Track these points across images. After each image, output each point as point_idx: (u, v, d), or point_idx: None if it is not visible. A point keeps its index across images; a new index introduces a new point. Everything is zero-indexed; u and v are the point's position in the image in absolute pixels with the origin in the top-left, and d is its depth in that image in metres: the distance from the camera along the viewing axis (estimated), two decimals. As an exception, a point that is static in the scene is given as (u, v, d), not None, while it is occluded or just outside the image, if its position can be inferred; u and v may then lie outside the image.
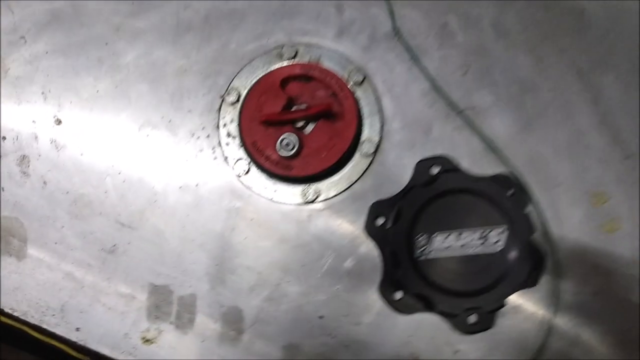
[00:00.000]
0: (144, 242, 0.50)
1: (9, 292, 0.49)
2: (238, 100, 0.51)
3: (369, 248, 0.49)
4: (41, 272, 0.49)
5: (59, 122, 0.51)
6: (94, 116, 0.51)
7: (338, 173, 0.49)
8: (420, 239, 0.46)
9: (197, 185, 0.50)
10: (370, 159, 0.50)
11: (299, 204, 0.49)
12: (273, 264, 0.49)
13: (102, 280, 0.49)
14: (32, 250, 0.50)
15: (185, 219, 0.49)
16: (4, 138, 0.51)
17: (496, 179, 0.48)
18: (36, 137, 0.51)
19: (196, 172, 0.50)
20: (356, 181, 0.50)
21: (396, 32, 0.51)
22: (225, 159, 0.50)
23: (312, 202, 0.49)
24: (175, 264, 0.49)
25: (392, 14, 0.51)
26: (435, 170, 0.48)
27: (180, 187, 0.50)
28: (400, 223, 0.47)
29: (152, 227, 0.50)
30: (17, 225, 0.50)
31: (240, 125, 0.50)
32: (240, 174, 0.50)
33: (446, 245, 0.47)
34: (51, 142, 0.51)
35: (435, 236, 0.46)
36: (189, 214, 0.50)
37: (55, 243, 0.50)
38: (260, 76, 0.51)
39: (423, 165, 0.48)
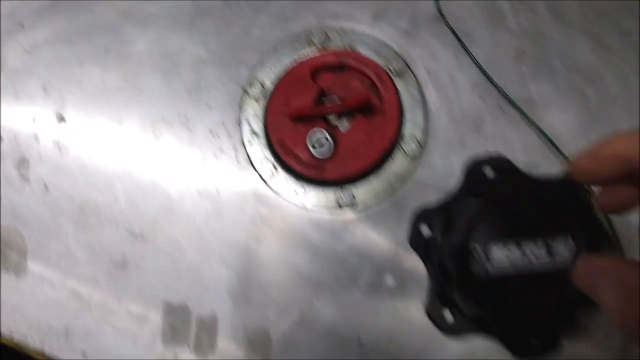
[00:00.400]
0: (158, 254, 0.44)
1: (7, 312, 0.44)
2: (262, 93, 0.46)
3: (413, 262, 0.43)
4: (43, 289, 0.45)
5: (61, 119, 0.46)
6: (101, 112, 0.46)
7: (377, 175, 0.43)
8: (474, 251, 0.40)
9: (217, 190, 0.45)
10: (414, 159, 0.44)
11: (333, 211, 0.44)
12: (304, 280, 0.43)
13: (111, 298, 0.44)
14: (32, 265, 0.45)
15: (204, 228, 0.44)
16: (1, 138, 0.45)
17: (561, 181, 0.41)
18: (36, 137, 0.46)
19: (216, 175, 0.45)
20: (398, 185, 0.44)
21: (441, 15, 0.46)
22: (249, 159, 0.45)
23: (349, 207, 0.44)
24: (193, 280, 0.44)
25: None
26: (489, 171, 0.42)
27: (198, 192, 0.45)
28: (450, 233, 0.41)
29: (167, 238, 0.45)
30: (15, 236, 0.45)
31: (265, 121, 0.45)
32: (266, 177, 0.45)
33: (504, 258, 0.41)
34: (53, 143, 0.45)
35: (491, 248, 0.40)
36: (209, 223, 0.45)
37: (59, 256, 0.45)
38: (288, 65, 0.46)
39: (475, 165, 0.42)
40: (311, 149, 0.42)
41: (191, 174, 0.45)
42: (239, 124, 0.45)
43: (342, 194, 0.43)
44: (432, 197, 0.44)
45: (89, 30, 0.47)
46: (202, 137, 0.46)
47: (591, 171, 0.30)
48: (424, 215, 0.44)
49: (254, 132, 0.44)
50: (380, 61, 0.45)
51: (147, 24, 0.46)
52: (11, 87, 0.46)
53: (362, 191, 0.43)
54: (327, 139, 0.41)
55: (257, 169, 0.45)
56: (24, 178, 0.45)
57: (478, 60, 0.46)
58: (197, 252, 0.44)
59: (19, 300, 0.44)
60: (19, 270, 0.45)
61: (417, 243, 0.43)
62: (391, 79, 0.44)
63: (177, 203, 0.45)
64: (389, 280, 0.43)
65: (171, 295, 0.44)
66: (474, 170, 0.43)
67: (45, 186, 0.45)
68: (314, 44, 0.45)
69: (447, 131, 0.45)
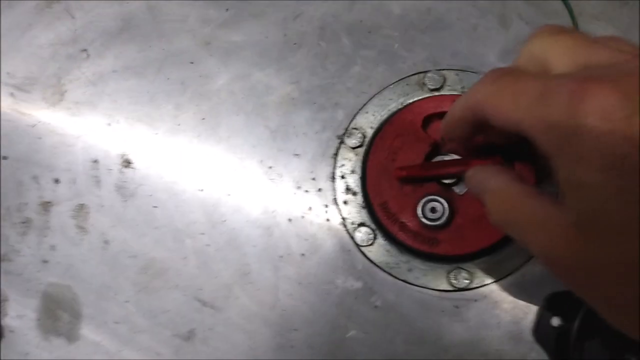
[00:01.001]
0: (231, 328, 0.45)
1: None
2: (362, 144, 0.47)
3: (540, 356, 0.42)
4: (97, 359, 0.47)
5: (127, 163, 0.49)
6: (173, 157, 0.48)
7: (501, 250, 0.41)
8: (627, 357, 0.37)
9: (302, 255, 0.46)
10: None
11: (444, 291, 0.44)
12: None
13: None
14: (86, 330, 0.47)
15: (285, 300, 0.45)
16: (57, 181, 0.45)
17: None
18: (98, 182, 0.49)
19: (302, 238, 0.46)
20: (526, 262, 0.44)
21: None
22: (342, 222, 0.46)
23: (463, 289, 0.44)
24: None
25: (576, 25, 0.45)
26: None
27: (280, 257, 0.46)
28: (592, 329, 0.38)
29: (242, 308, 0.46)
30: (68, 296, 0.48)
31: (364, 178, 0.46)
32: (363, 245, 0.45)
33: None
34: (117, 189, 0.48)
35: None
36: (291, 294, 0.46)
37: (116, 322, 0.47)
38: (394, 112, 0.46)
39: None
40: (421, 217, 0.40)
41: (273, 234, 0.47)
42: (333, 179, 0.47)
43: (456, 272, 0.43)
44: (566, 281, 0.41)
45: (163, 61, 0.50)
46: (287, 192, 0.47)
47: (453, 136, 0.36)
48: (556, 303, 0.42)
49: (350, 190, 0.45)
50: None
51: (229, 57, 0.49)
52: (71, 123, 0.49)
53: (481, 269, 0.46)
54: (442, 206, 0.39)
55: (352, 235, 0.46)
56: (82, 229, 0.47)
57: None
58: (276, 328, 0.45)
59: None
60: (71, 335, 0.47)
61: (546, 337, 0.42)
62: None
63: (255, 267, 0.46)
64: (509, 377, 0.41)
65: None
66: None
67: (105, 241, 0.48)
68: (427, 86, 0.43)
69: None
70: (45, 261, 0.47)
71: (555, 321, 0.42)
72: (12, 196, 0.49)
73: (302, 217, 0.46)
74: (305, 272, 0.45)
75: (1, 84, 0.51)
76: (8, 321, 0.47)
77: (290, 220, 0.46)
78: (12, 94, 0.50)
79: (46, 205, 0.48)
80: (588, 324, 0.40)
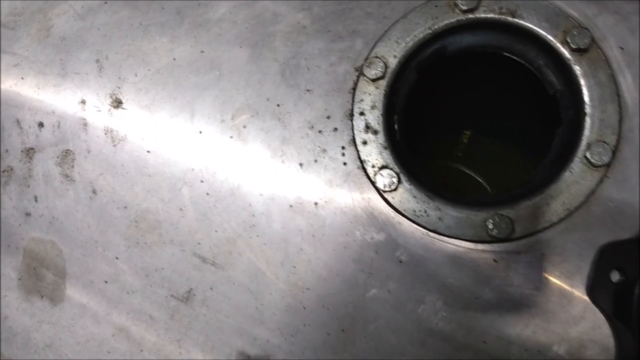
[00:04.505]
0: (234, 287, 0.41)
1: (38, 350, 0.43)
2: (384, 75, 0.41)
3: (596, 320, 0.37)
4: (84, 323, 0.42)
5: (118, 103, 0.44)
6: (169, 96, 0.44)
7: (546, 191, 0.38)
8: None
9: (315, 204, 0.41)
10: (601, 172, 0.39)
11: (481, 242, 0.39)
12: (434, 338, 0.38)
13: (168, 342, 0.41)
14: (71, 291, 0.43)
15: (296, 255, 0.41)
16: (41, 125, 0.42)
17: None
18: (85, 125, 0.45)
19: (315, 185, 0.41)
20: (577, 207, 0.38)
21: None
22: (361, 165, 0.41)
23: (504, 240, 0.38)
24: (278, 325, 0.40)
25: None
26: None
27: (290, 207, 0.42)
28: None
29: (247, 265, 0.41)
30: (52, 253, 0.44)
31: (387, 114, 0.41)
32: (385, 190, 0.40)
33: None
34: (106, 133, 0.45)
35: None
36: (303, 248, 0.41)
37: (105, 282, 0.43)
38: (421, 38, 0.41)
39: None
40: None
41: (282, 181, 0.42)
42: (350, 117, 0.42)
43: (494, 218, 0.37)
44: (625, 226, 0.38)
45: (158, -12, 0.44)
46: (298, 133, 0.42)
47: None
48: (614, 254, 0.38)
49: (370, 129, 0.40)
50: (553, 34, 0.40)
51: (233, -18, 0.42)
52: (57, 60, 0.45)
53: (523, 214, 0.40)
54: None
55: (373, 179, 0.41)
56: (67, 178, 0.45)
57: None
58: (286, 286, 0.41)
59: (53, 336, 0.43)
60: (56, 296, 0.43)
61: (602, 294, 0.37)
62: (569, 59, 0.39)
63: (262, 219, 0.42)
64: (559, 348, 0.37)
65: (248, 343, 0.40)
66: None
67: (94, 190, 0.45)
68: (459, 8, 0.38)
69: (649, 135, 0.41)
70: (27, 214, 0.44)
71: (615, 276, 0.37)
72: (-9, 143, 0.47)
73: (315, 160, 0.41)
74: (318, 223, 0.41)
75: (-19, 20, 0.48)
76: (-16, 281, 0.45)
77: (301, 164, 0.42)
78: (-7, 31, 0.48)
79: (29, 152, 0.44)
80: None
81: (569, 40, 0.40)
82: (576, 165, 0.39)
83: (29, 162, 0.44)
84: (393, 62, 0.41)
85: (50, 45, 0.45)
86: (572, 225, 0.39)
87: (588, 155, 0.38)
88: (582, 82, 0.39)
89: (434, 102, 0.50)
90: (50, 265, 0.43)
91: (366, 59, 0.42)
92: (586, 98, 0.39)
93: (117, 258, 0.42)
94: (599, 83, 0.39)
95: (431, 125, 0.52)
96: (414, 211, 0.40)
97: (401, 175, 0.40)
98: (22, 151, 0.44)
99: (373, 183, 0.41)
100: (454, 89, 0.51)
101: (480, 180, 0.59)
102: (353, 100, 0.42)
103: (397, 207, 0.40)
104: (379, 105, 0.41)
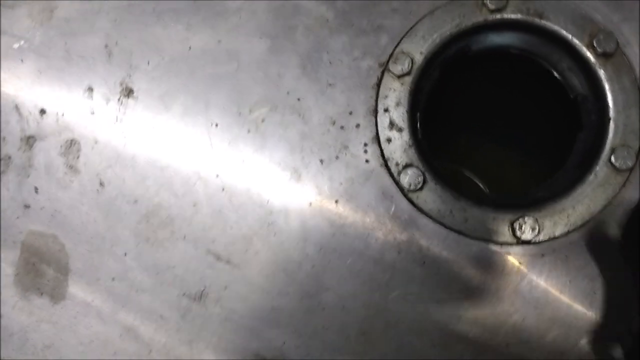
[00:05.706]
0: (249, 287, 0.40)
1: (37, 351, 0.41)
2: (410, 71, 0.41)
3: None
4: (87, 323, 0.41)
5: (129, 92, 0.43)
6: (183, 86, 0.42)
7: (571, 194, 0.39)
8: None
9: (336, 202, 0.41)
10: (624, 176, 0.39)
11: (506, 244, 0.39)
12: (457, 341, 0.38)
13: (179, 343, 0.40)
14: (74, 288, 0.41)
15: (316, 254, 0.40)
16: (43, 111, 0.40)
17: None
18: (92, 113, 0.43)
19: (337, 183, 0.41)
20: (601, 210, 0.39)
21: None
22: (385, 163, 0.41)
23: (529, 242, 0.39)
24: (296, 326, 0.40)
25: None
26: None
27: (309, 204, 0.41)
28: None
29: (263, 264, 0.40)
30: (54, 248, 0.42)
31: (411, 111, 0.40)
32: (409, 190, 0.40)
33: None
34: (115, 122, 0.43)
35: None
36: (322, 248, 0.40)
37: (113, 279, 0.41)
38: (446, 36, 0.41)
39: None
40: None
41: (301, 178, 0.41)
42: (374, 113, 0.41)
43: (520, 220, 0.38)
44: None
45: (173, -27, 0.44)
46: (319, 128, 0.42)
47: None
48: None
49: (395, 126, 0.41)
50: (580, 37, 0.40)
51: (253, -30, 0.41)
52: (62, 44, 0.42)
53: (548, 217, 0.41)
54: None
55: (397, 178, 0.41)
56: (72, 169, 0.44)
57: None
58: (304, 287, 0.40)
59: (54, 337, 0.41)
60: (57, 294, 0.41)
61: None
62: (595, 63, 0.40)
63: (280, 217, 0.41)
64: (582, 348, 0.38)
65: (263, 345, 0.40)
66: None
67: (101, 182, 0.43)
68: (487, 7, 0.38)
69: (673, 140, 0.42)
70: (26, 206, 0.42)
71: None
72: (-12, 129, 0.45)
73: (337, 157, 0.41)
74: (339, 222, 0.40)
75: (-22, -2, 0.46)
76: (-21, 277, 0.44)
77: (321, 161, 0.41)
78: (-8, 11, 0.46)
79: (29, 140, 0.43)
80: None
81: (595, 44, 0.40)
82: (601, 169, 0.39)
83: (29, 150, 0.42)
84: (419, 59, 0.41)
85: (53, 28, 0.43)
86: (597, 230, 0.39)
87: (612, 159, 0.39)
88: (607, 86, 0.40)
89: (452, 102, 0.50)
90: (51, 260, 0.41)
91: (391, 54, 0.42)
92: (610, 102, 0.40)
93: (125, 254, 0.41)
94: (623, 88, 0.40)
95: (445, 124, 0.53)
96: (439, 211, 0.40)
97: (427, 174, 0.40)
98: (21, 139, 0.42)
99: (397, 182, 0.40)
100: (471, 89, 0.51)
101: (480, 184, 0.59)
102: (377, 96, 0.42)
103: (421, 206, 0.40)
104: (404, 102, 0.41)
